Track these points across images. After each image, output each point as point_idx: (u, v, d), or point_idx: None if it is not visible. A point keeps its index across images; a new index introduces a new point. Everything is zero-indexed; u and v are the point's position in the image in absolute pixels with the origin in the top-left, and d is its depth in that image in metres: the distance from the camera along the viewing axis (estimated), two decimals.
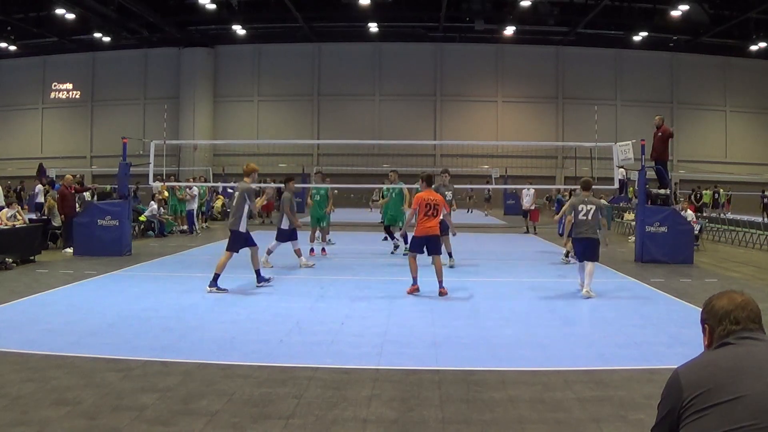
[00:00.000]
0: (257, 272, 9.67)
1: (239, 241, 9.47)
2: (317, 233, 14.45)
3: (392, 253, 13.98)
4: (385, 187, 15.20)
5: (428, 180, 9.64)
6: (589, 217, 9.27)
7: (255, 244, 9.64)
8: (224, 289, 9.08)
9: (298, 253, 11.83)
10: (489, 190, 30.83)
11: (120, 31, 36.26)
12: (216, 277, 9.16)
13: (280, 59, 40.30)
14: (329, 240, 15.41)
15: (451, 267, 11.60)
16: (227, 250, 9.42)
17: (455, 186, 13.04)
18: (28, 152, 39.10)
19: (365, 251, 15.01)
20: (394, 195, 14.15)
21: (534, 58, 39.75)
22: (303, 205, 32.69)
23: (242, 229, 9.40)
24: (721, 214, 25.52)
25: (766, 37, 34.15)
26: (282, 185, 12.74)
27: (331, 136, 37.18)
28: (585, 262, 9.28)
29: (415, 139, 34.67)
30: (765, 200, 30.12)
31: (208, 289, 9.07)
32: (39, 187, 23.55)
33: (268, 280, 9.77)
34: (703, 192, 30.16)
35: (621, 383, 5.09)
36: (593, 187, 9.83)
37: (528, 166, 32.03)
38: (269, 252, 11.75)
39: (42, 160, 33.84)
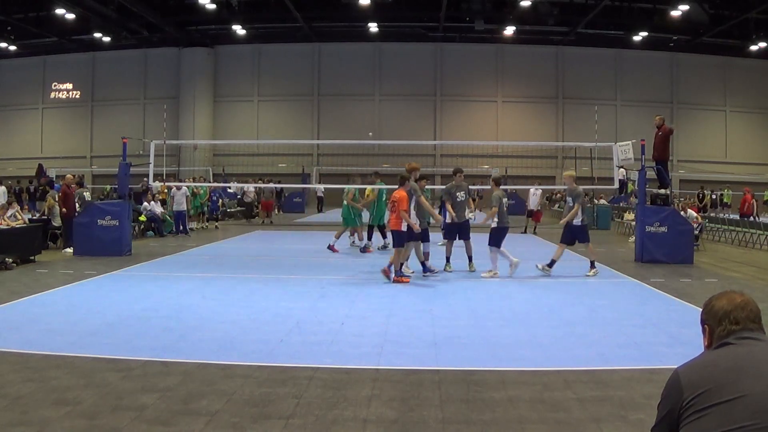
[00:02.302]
0: (423, 264, 10.62)
1: (403, 236, 10.26)
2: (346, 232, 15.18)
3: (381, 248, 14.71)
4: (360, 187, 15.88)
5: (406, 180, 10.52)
6: (506, 208, 11.12)
7: (417, 239, 10.58)
8: (408, 276, 10.36)
9: (426, 256, 11.31)
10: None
11: (120, 31, 36.23)
12: (424, 264, 10.62)
13: (280, 59, 40.28)
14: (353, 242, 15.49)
15: (449, 272, 11.40)
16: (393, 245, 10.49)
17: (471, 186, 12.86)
18: (28, 152, 39.09)
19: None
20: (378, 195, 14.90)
21: (534, 58, 39.74)
22: (303, 205, 33.04)
23: (403, 228, 10.19)
24: (722, 214, 25.50)
25: (766, 37, 34.14)
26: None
27: (331, 136, 37.14)
28: (502, 248, 10.83)
29: (415, 139, 34.64)
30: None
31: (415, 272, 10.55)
32: (2, 189, 23.59)
33: (433, 271, 10.61)
34: (705, 192, 30.19)
35: (621, 383, 5.09)
36: (594, 186, 10.03)
37: (528, 166, 32.03)
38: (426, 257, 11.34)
39: (42, 160, 33.86)
